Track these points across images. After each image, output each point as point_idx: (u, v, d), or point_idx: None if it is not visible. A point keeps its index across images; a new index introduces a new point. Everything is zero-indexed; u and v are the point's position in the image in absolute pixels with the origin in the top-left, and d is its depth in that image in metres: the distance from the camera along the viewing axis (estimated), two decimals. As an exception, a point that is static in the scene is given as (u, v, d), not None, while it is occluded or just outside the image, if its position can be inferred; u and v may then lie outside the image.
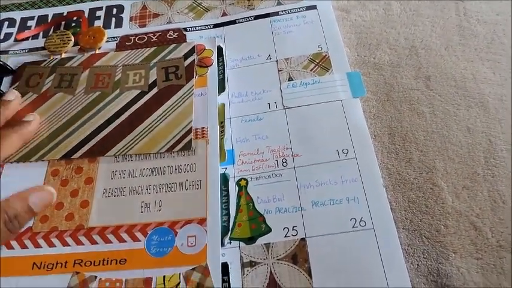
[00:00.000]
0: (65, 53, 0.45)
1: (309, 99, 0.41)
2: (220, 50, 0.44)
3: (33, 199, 0.30)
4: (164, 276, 0.32)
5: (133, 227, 0.34)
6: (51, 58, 0.45)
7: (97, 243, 0.34)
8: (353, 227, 0.34)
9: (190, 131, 0.38)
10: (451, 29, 0.43)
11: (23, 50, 0.48)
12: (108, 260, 0.33)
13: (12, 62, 0.45)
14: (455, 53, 0.42)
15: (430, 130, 0.38)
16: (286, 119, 0.40)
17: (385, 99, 0.40)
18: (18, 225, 0.29)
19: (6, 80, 0.44)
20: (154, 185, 0.36)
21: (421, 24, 0.44)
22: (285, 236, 0.34)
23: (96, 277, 0.32)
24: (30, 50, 0.48)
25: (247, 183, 0.37)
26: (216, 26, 0.48)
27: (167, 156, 0.38)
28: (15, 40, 0.49)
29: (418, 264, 0.33)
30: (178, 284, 0.32)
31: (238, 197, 0.37)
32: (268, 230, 0.35)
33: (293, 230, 0.34)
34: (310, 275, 0.32)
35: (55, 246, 0.34)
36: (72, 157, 0.38)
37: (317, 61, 0.43)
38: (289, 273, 0.33)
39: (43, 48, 0.47)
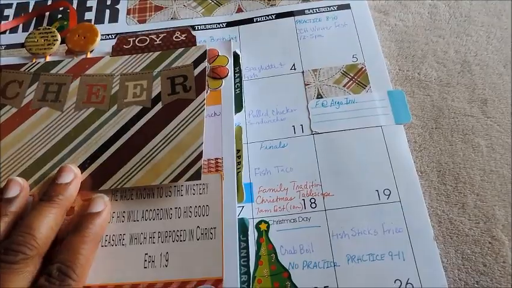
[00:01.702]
0: (49, 55, 0.38)
1: (342, 122, 0.34)
2: (236, 57, 0.37)
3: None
4: None
5: (136, 286, 0.29)
6: (34, 61, 0.38)
7: (92, 308, 0.28)
8: (398, 290, 0.28)
9: (200, 156, 0.32)
10: (511, 42, 0.37)
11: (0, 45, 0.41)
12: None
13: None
14: (518, 71, 0.35)
15: (487, 169, 0.32)
16: (314, 147, 0.34)
17: (433, 127, 0.34)
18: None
19: (-20, 87, 0.37)
20: (159, 232, 0.30)
21: (474, 33, 0.37)
22: (315, 299, 0.29)
23: None
24: (8, 47, 0.41)
25: (268, 227, 0.31)
26: (229, 24, 0.41)
27: (174, 195, 0.31)
28: (-9, 33, 0.42)
29: (473, 339, 0.27)
30: None
31: (258, 244, 0.31)
32: (295, 289, 0.29)
33: (325, 291, 0.29)
34: None
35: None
36: (61, 192, 0.32)
37: (352, 75, 0.36)
38: None
39: (23, 45, 0.40)
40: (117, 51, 0.38)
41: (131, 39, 0.38)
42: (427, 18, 0.39)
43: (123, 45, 0.38)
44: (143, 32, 0.40)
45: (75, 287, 0.26)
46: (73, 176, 0.31)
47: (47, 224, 0.28)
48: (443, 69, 0.36)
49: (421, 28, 0.38)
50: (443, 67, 0.36)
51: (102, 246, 0.30)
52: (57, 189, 0.30)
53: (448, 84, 0.35)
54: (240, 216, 0.31)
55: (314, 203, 0.32)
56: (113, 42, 0.39)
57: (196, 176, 0.31)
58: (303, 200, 0.32)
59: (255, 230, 0.31)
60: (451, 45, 0.37)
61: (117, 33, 0.40)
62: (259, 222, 0.32)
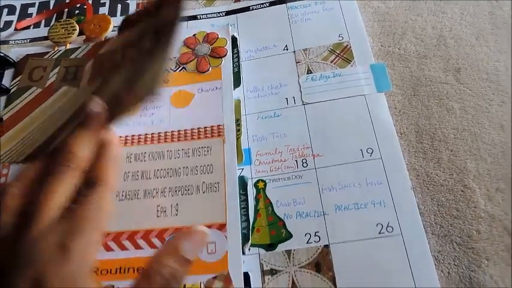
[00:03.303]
0: (69, 43, 0.43)
1: (329, 93, 0.39)
2: (234, 40, 0.42)
3: (185, 247, 0.24)
4: (184, 286, 0.31)
5: (149, 232, 0.33)
6: (55, 49, 0.42)
7: (113, 250, 0.32)
8: (379, 232, 0.32)
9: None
10: (483, 17, 0.40)
11: (24, 39, 0.46)
12: (125, 269, 0.32)
13: (14, 53, 0.43)
14: (487, 43, 0.39)
15: (460, 128, 0.36)
16: (305, 116, 0.38)
17: (412, 94, 0.38)
18: (177, 284, 0.23)
19: (8, 72, 0.42)
20: (170, 188, 0.34)
21: (449, 11, 0.41)
22: (307, 243, 0.33)
23: (113, 286, 0.31)
24: (32, 40, 0.46)
25: (265, 185, 0.36)
26: (228, 13, 0.45)
27: (182, 156, 0.36)
28: (16, 29, 0.47)
29: (448, 272, 0.31)
30: (199, 294, 0.30)
31: (257, 200, 0.35)
32: (289, 236, 0.33)
33: (315, 236, 0.33)
34: (334, 284, 0.31)
35: (68, 254, 0.33)
36: (82, 157, 0.36)
37: (338, 52, 0.41)
38: (312, 282, 0.31)
39: (46, 38, 0.45)
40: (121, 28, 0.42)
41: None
42: (406, 1, 0.43)
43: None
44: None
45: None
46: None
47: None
48: (421, 44, 0.40)
49: (402, 9, 0.42)
50: (421, 42, 0.40)
51: (119, 200, 0.34)
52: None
53: (425, 56, 0.39)
54: (240, 175, 0.35)
55: (305, 163, 0.36)
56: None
57: None
58: (296, 161, 0.36)
59: (253, 188, 0.35)
60: (428, 23, 0.41)
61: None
62: (257, 181, 0.36)
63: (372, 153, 0.35)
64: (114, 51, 0.40)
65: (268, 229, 0.34)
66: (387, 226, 0.32)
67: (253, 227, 0.34)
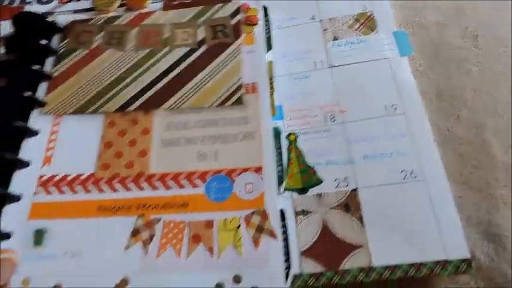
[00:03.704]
0: (111, 12, 0.46)
1: (355, 57, 0.41)
2: (265, 9, 0.45)
3: None
4: (225, 219, 0.34)
5: (192, 174, 0.36)
6: (99, 17, 0.46)
7: (158, 188, 0.35)
8: (404, 178, 0.35)
9: (240, 87, 0.39)
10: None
11: (68, 11, 0.49)
12: (170, 204, 0.35)
13: (61, 20, 0.46)
14: (503, 12, 0.42)
15: (478, 88, 0.39)
16: (332, 77, 0.41)
17: (432, 58, 0.41)
18: None
19: (56, 37, 0.45)
20: (209, 136, 0.37)
21: (468, -16, 0.44)
22: (336, 187, 0.36)
23: (160, 219, 0.34)
24: (76, 12, 0.49)
25: (296, 137, 0.38)
26: (258, -14, 0.48)
27: (220, 110, 0.39)
28: (60, 2, 0.50)
29: (468, 215, 0.34)
30: (239, 226, 0.33)
31: (289, 150, 0.38)
32: (319, 181, 0.36)
33: (344, 181, 0.36)
34: (362, 222, 0.34)
35: (118, 191, 0.36)
36: (127, 109, 0.39)
37: (362, 20, 0.44)
38: (341, 221, 0.34)
39: (88, 10, 0.48)
40: (167, 7, 0.46)
41: (179, -3, 0.46)
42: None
43: (171, 2, 0.46)
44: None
45: None
46: None
47: None
48: (440, 14, 0.43)
49: (422, -18, 0.45)
50: (440, 12, 0.43)
51: (163, 146, 0.37)
52: None
53: (445, 25, 0.42)
54: (274, 126, 0.38)
55: (334, 118, 0.39)
56: (161, 4, 0.47)
57: (239, 101, 0.39)
58: (325, 116, 0.39)
59: (285, 140, 0.38)
60: (447, -5, 0.44)
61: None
62: (289, 134, 0.39)
63: (396, 109, 0.38)
64: (161, 25, 0.44)
65: (300, 176, 0.36)
66: (411, 173, 0.35)
67: (286, 174, 0.37)
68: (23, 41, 0.42)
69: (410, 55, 0.41)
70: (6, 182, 0.36)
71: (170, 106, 0.39)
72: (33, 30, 0.43)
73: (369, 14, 0.44)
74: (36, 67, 0.41)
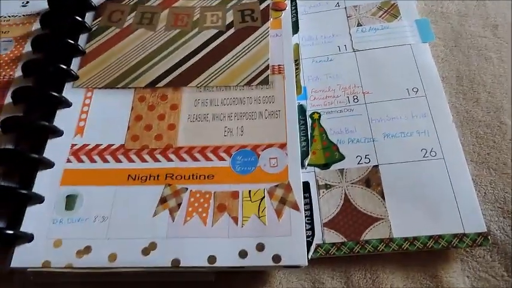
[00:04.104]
0: (143, -7, 0.48)
1: (378, 43, 0.43)
2: (292, -5, 0.46)
3: None
4: (250, 191, 0.35)
5: (218, 148, 0.37)
6: (131, -3, 0.47)
7: (185, 160, 0.37)
8: (424, 156, 0.36)
9: (267, 68, 0.41)
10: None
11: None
12: (197, 175, 0.36)
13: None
14: (524, 4, 0.43)
15: (497, 74, 0.40)
16: (356, 60, 0.42)
17: (453, 45, 0.42)
18: None
19: (89, 15, 0.46)
20: (235, 113, 0.39)
21: (489, -24, 0.46)
22: (358, 163, 0.37)
23: (187, 189, 0.35)
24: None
25: (319, 116, 0.40)
26: (284, -26, 0.50)
27: (246, 89, 0.40)
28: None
29: (485, 193, 0.35)
30: (263, 197, 0.34)
31: (312, 128, 0.39)
32: (342, 157, 0.37)
33: (366, 158, 0.37)
34: (383, 197, 0.35)
35: (147, 162, 0.37)
36: (157, 86, 0.41)
37: (386, 8, 0.45)
38: (362, 195, 0.35)
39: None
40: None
41: (208, -19, 0.48)
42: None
43: (201, -14, 0.48)
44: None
45: None
46: None
47: None
48: (461, 4, 0.44)
49: (443, -26, 0.47)
50: (461, 2, 0.45)
51: (191, 121, 0.39)
52: None
53: (466, 15, 0.44)
54: (299, 104, 0.39)
55: (356, 99, 0.40)
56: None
57: (265, 81, 0.40)
58: (347, 97, 0.40)
59: (309, 118, 0.40)
60: (468, -14, 0.46)
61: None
62: (313, 113, 0.40)
63: (417, 91, 0.39)
64: (191, 8, 0.45)
65: (323, 152, 0.38)
66: (431, 151, 0.36)
67: (309, 150, 0.38)
68: (58, 16, 0.44)
69: (432, 41, 0.42)
70: (40, 148, 0.38)
71: (198, 84, 0.41)
72: (68, 6, 0.45)
73: (392, 2, 0.45)
74: (70, 42, 0.42)
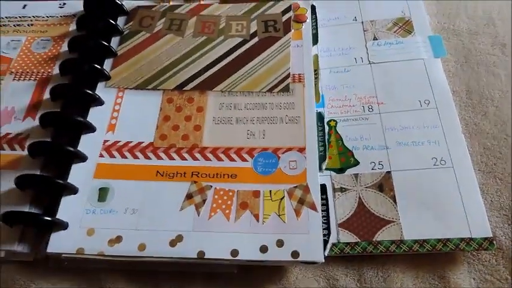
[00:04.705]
0: (172, 1, 0.51)
1: (393, 56, 0.45)
2: (313, 8, 0.49)
3: None
4: (270, 191, 0.37)
5: (241, 149, 0.40)
6: (161, 4, 0.50)
7: (210, 160, 0.39)
8: (434, 164, 0.38)
9: (288, 76, 0.43)
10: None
11: (130, -1, 0.53)
12: (221, 174, 0.38)
13: (126, 4, 0.50)
14: (530, 25, 0.46)
15: (504, 89, 0.42)
16: (371, 72, 0.45)
17: (464, 61, 0.45)
18: None
19: (121, 19, 0.49)
20: (257, 118, 0.41)
21: (498, -1, 0.48)
22: (372, 169, 0.39)
23: (211, 186, 0.38)
24: (136, -1, 0.53)
25: (336, 123, 0.42)
26: (304, -12, 0.53)
27: (268, 95, 0.43)
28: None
29: (491, 200, 0.37)
30: (283, 197, 0.37)
31: (329, 135, 0.42)
32: (357, 163, 0.40)
33: (379, 164, 0.39)
34: (395, 201, 0.37)
35: (174, 160, 0.39)
36: (184, 89, 0.43)
37: (400, 24, 0.48)
38: (375, 199, 0.38)
39: (148, -2, 0.52)
40: (224, 0, 0.50)
41: (233, -8, 0.51)
42: (461, -14, 0.50)
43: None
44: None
45: None
46: None
47: None
48: (472, 23, 0.47)
49: (456, -6, 0.49)
50: (472, 21, 0.47)
51: (215, 123, 0.41)
52: None
53: (476, 33, 0.46)
54: (318, 112, 0.42)
55: (371, 108, 0.43)
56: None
57: (286, 88, 0.43)
58: (363, 106, 0.43)
59: (326, 125, 0.42)
60: (479, 7, 0.48)
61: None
62: (330, 121, 0.43)
63: (428, 103, 0.42)
64: (217, 16, 0.48)
65: (338, 157, 0.40)
66: (441, 160, 0.39)
67: (326, 155, 0.40)
68: (93, 19, 0.47)
69: (444, 57, 0.45)
70: (74, 143, 0.40)
71: (223, 88, 0.43)
72: (103, 10, 0.47)
73: (406, 18, 0.48)
74: (104, 44, 0.45)
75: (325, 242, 0.35)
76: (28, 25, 0.50)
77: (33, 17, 0.50)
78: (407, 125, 0.41)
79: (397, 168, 0.39)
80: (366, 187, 0.38)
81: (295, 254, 0.34)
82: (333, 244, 0.36)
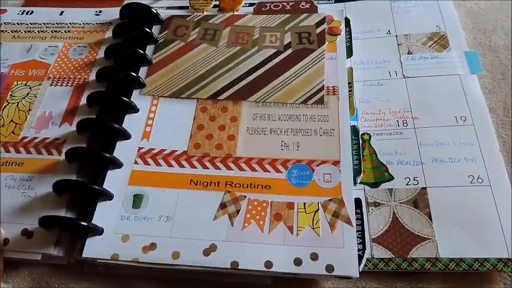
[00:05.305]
0: (206, 11, 0.51)
1: (428, 71, 0.45)
2: (347, 21, 0.49)
3: None
4: (304, 203, 0.37)
5: (275, 160, 0.40)
6: (195, 14, 0.51)
7: (244, 170, 0.39)
8: (471, 182, 0.38)
9: (322, 88, 0.43)
10: None
11: (162, 7, 0.54)
12: (254, 185, 0.38)
13: (161, 13, 0.51)
14: None
15: (543, 107, 0.42)
16: (406, 87, 0.45)
17: (501, 78, 0.44)
18: None
19: (156, 28, 0.50)
20: (291, 129, 0.41)
21: (536, 15, 0.48)
22: (407, 184, 0.39)
23: (245, 196, 0.38)
24: (169, 8, 0.54)
25: (370, 137, 0.42)
26: (337, 0, 0.53)
27: (302, 107, 0.43)
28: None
29: (529, 220, 0.36)
30: (317, 210, 0.37)
31: (362, 148, 0.41)
32: (391, 178, 0.39)
33: (414, 180, 0.39)
34: (430, 218, 0.37)
35: (208, 169, 0.40)
36: (218, 98, 0.44)
37: (435, 39, 0.47)
38: (410, 215, 0.37)
39: (181, 8, 0.53)
40: (257, 11, 0.51)
41: (268, 4, 0.51)
42: (497, 3, 0.49)
43: (261, 8, 0.51)
44: (276, 0, 0.52)
45: None
46: None
47: None
48: (509, 39, 0.47)
49: (492, 10, 0.49)
50: (509, 37, 0.47)
51: (249, 134, 0.41)
52: None
53: (513, 49, 0.46)
54: (352, 125, 0.42)
55: (406, 123, 0.42)
56: (251, 8, 0.52)
57: (321, 100, 0.43)
58: (397, 121, 0.43)
59: (360, 139, 0.42)
60: (516, 23, 0.48)
61: (251, 3, 0.53)
62: (363, 134, 0.42)
63: (465, 120, 0.41)
64: (251, 27, 0.48)
65: (372, 171, 0.40)
66: (478, 178, 0.38)
67: (361, 168, 0.40)
68: (129, 28, 0.47)
69: (480, 73, 0.44)
70: (110, 149, 0.41)
71: (257, 99, 0.43)
72: (138, 19, 0.48)
73: (442, 33, 0.48)
74: (140, 52, 0.46)
75: (360, 257, 0.35)
76: (65, 31, 0.51)
77: (70, 23, 0.52)
78: (443, 141, 0.41)
79: (432, 185, 0.38)
80: (401, 202, 0.38)
81: (329, 268, 0.34)
82: (367, 259, 0.36)
